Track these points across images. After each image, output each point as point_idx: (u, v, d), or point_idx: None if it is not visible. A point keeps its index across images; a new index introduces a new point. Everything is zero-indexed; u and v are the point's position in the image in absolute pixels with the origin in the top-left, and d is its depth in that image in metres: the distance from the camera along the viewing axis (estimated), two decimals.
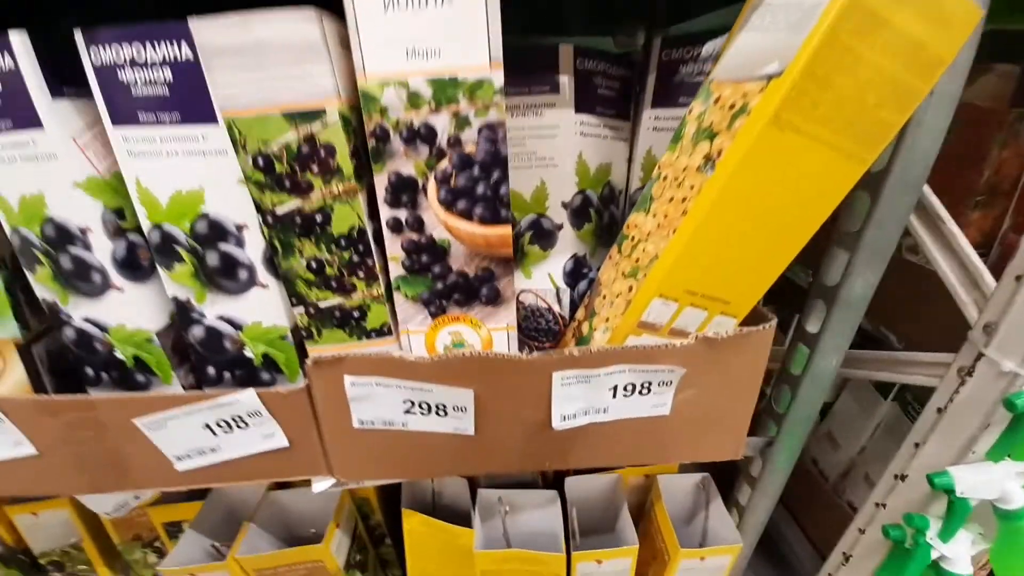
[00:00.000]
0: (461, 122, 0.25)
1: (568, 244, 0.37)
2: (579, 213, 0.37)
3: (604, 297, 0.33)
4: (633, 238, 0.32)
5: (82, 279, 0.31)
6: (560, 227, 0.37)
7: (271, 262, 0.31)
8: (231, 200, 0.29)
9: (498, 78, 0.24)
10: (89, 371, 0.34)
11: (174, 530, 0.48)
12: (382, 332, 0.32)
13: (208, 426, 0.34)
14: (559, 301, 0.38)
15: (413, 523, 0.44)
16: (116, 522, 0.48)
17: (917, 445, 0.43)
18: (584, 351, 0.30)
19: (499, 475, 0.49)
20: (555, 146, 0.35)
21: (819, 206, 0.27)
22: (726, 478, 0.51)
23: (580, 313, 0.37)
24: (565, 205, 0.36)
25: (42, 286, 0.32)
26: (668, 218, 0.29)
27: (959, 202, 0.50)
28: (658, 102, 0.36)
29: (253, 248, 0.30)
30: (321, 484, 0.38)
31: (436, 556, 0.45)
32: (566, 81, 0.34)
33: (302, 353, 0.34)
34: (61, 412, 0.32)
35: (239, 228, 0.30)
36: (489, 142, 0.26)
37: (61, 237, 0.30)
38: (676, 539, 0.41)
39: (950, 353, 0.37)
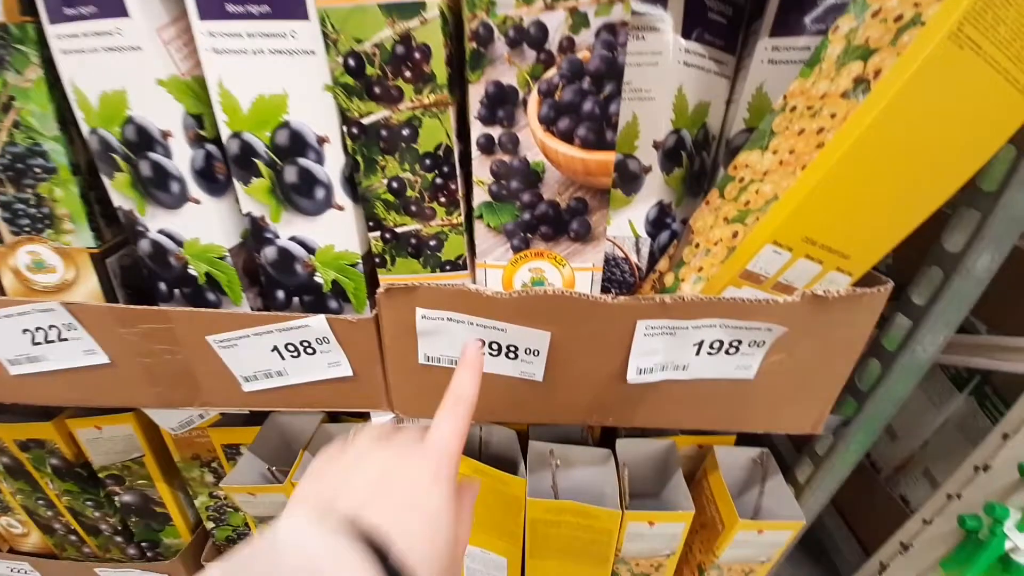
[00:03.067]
0: (578, 21, 0.22)
1: (655, 189, 0.34)
2: (671, 155, 0.33)
3: (697, 246, 0.31)
4: (743, 179, 0.29)
5: (161, 188, 0.30)
6: (648, 170, 0.34)
7: (350, 182, 0.29)
8: (315, 108, 0.27)
9: None
10: (162, 286, 0.34)
11: (232, 452, 0.49)
12: (457, 265, 0.30)
13: (277, 349, 0.33)
14: (637, 251, 0.35)
15: (462, 467, 0.43)
16: (177, 440, 0.49)
17: (1006, 436, 0.40)
18: (676, 299, 0.28)
19: (548, 428, 0.48)
20: (654, 76, 0.31)
21: (980, 147, 0.24)
22: (774, 451, 0.49)
23: (663, 264, 0.34)
24: (656, 145, 0.33)
25: (120, 194, 0.31)
26: (796, 153, 0.25)
27: None
28: (779, 30, 0.32)
29: (332, 165, 0.29)
30: (380, 418, 0.38)
31: (483, 502, 0.44)
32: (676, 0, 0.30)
33: (371, 283, 0.33)
34: (136, 322, 0.33)
35: (320, 141, 0.28)
36: (607, 47, 0.23)
37: (142, 140, 0.29)
38: (734, 509, 0.40)
39: None
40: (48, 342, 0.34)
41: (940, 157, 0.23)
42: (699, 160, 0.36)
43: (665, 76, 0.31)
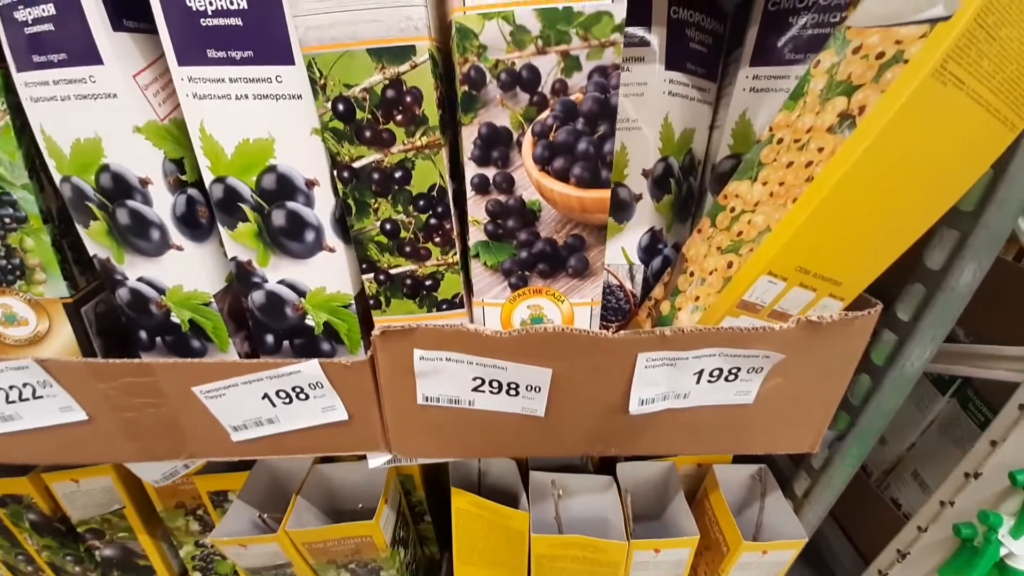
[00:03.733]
0: (570, 65, 0.22)
1: (645, 216, 0.34)
2: (660, 183, 0.34)
3: (692, 274, 0.31)
4: (733, 209, 0.29)
5: (140, 236, 0.29)
6: (639, 197, 0.34)
7: (341, 223, 0.29)
8: (303, 152, 0.26)
9: (620, 10, 0.21)
10: (143, 335, 0.33)
11: (219, 499, 0.47)
12: (454, 304, 0.30)
13: (268, 396, 0.32)
14: (631, 278, 0.35)
15: (462, 503, 0.43)
16: (159, 489, 0.47)
17: (994, 443, 0.41)
18: (676, 331, 0.28)
19: (549, 457, 0.47)
20: (641, 106, 0.32)
21: (963, 176, 0.24)
22: (771, 465, 0.49)
23: (658, 291, 0.34)
24: (646, 173, 0.33)
25: (95, 242, 0.30)
26: (785, 186, 0.26)
27: None
28: (759, 59, 0.32)
29: (322, 207, 0.28)
30: (377, 460, 0.37)
31: (485, 537, 0.43)
32: (658, 32, 0.31)
33: (364, 323, 0.32)
34: (116, 376, 0.31)
35: (309, 184, 0.27)
36: (599, 89, 0.23)
37: (119, 188, 0.28)
38: (738, 531, 0.40)
39: None
40: (23, 400, 0.32)
41: (926, 187, 0.24)
42: (687, 185, 0.36)
43: (652, 106, 0.32)
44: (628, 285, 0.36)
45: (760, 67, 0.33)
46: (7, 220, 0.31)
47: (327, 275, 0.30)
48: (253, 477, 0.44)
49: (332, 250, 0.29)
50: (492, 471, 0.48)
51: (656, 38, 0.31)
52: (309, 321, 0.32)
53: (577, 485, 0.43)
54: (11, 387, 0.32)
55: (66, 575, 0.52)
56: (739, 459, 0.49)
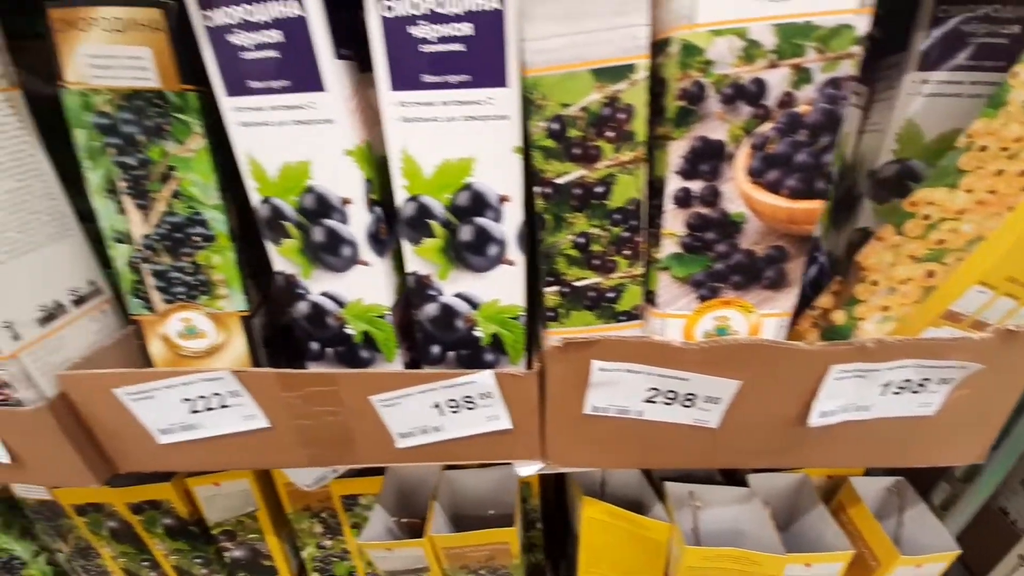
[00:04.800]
0: (801, 77, 0.22)
1: None
2: None
3: (875, 283, 0.30)
4: (927, 216, 0.28)
5: (332, 252, 0.30)
6: None
7: (522, 238, 0.29)
8: (500, 170, 0.27)
9: (862, 23, 0.21)
10: (314, 346, 0.34)
11: (349, 503, 0.48)
12: (631, 315, 0.30)
13: (438, 405, 0.33)
14: None
15: (594, 512, 0.43)
16: (290, 492, 0.49)
17: None
18: (875, 342, 0.27)
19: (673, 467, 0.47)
20: None
21: None
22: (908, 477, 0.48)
23: (826, 301, 0.33)
24: None
25: (284, 259, 0.31)
26: (998, 194, 0.25)
27: None
28: (928, 64, 0.32)
29: (510, 223, 0.29)
30: (528, 468, 0.37)
31: (617, 546, 0.43)
32: None
33: (530, 335, 0.33)
34: (301, 386, 0.32)
35: (502, 200, 0.28)
36: (829, 100, 0.23)
37: (320, 208, 0.29)
38: (891, 545, 0.38)
39: None
40: (208, 410, 0.33)
41: None
42: (843, 189, 0.35)
43: None
44: None
45: (929, 72, 0.32)
46: (197, 238, 0.32)
47: (503, 288, 0.31)
48: (385, 483, 0.45)
49: (512, 263, 0.30)
50: (613, 479, 0.48)
51: None
52: (477, 332, 0.32)
53: (714, 497, 0.42)
54: (199, 397, 0.33)
55: None
56: (871, 470, 0.47)
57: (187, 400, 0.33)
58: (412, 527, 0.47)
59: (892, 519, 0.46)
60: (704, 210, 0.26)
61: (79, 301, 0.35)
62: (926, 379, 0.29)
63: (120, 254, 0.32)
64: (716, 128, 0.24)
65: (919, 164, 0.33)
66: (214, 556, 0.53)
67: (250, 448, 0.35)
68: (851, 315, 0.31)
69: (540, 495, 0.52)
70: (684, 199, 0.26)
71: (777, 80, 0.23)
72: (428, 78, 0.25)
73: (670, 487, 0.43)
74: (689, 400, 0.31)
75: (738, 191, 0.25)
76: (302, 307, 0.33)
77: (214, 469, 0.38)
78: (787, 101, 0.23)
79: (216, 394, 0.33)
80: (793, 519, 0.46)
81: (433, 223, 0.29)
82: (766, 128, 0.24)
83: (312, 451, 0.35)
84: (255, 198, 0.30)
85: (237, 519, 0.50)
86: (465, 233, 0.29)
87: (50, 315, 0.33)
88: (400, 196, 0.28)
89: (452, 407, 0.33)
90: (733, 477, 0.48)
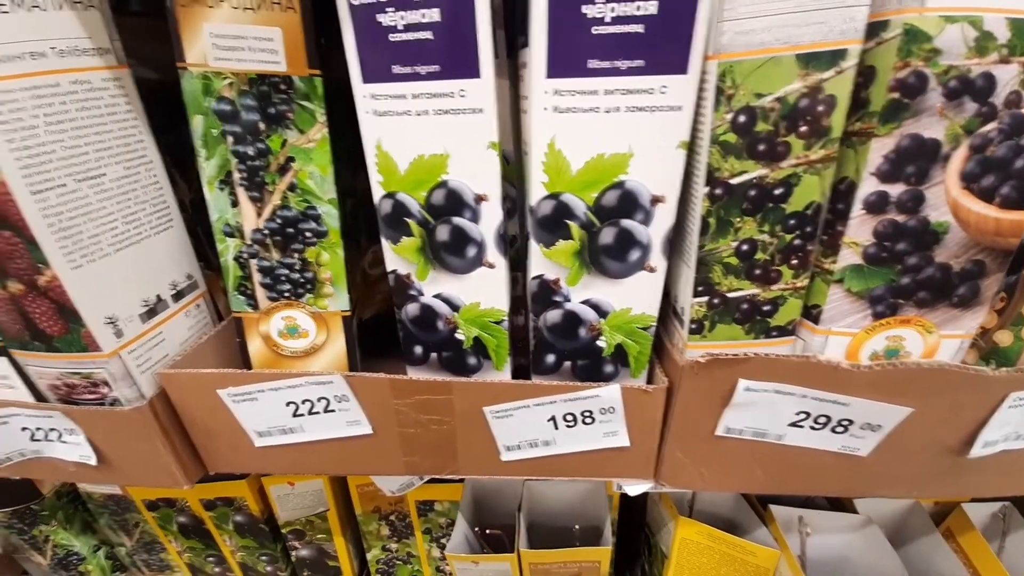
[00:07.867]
0: None
1: None
2: None
3: None
4: None
5: (455, 253, 0.28)
6: None
7: (668, 244, 0.26)
8: (662, 167, 0.24)
9: None
10: (417, 349, 0.32)
11: (424, 508, 0.47)
12: (785, 330, 0.27)
13: (553, 419, 0.31)
14: None
15: (690, 532, 0.40)
16: (361, 494, 0.47)
17: None
18: None
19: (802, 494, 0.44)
20: None
21: None
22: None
23: (988, 319, 0.30)
24: None
25: (400, 258, 0.29)
26: None
27: None
28: None
29: (659, 227, 0.26)
30: (637, 487, 0.35)
31: (709, 570, 0.41)
32: None
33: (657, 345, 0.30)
34: (412, 393, 0.30)
35: (654, 201, 0.25)
36: None
37: (450, 205, 0.27)
38: (1005, 572, 0.35)
39: None
40: (312, 413, 0.32)
41: None
42: None
43: None
44: None
45: None
46: (308, 234, 0.31)
47: (639, 297, 0.28)
48: (467, 492, 0.44)
49: (654, 270, 0.27)
50: (704, 496, 0.45)
51: None
52: (601, 342, 0.30)
53: (823, 523, 0.40)
54: (304, 400, 0.32)
55: (255, 575, 0.54)
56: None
57: (291, 403, 0.32)
58: (490, 538, 0.45)
59: (995, 543, 0.43)
60: (900, 217, 0.23)
61: (178, 295, 0.34)
62: None
63: (229, 248, 0.31)
64: (932, 125, 0.21)
65: None
66: (280, 554, 0.52)
67: (347, 454, 0.34)
68: (1018, 336, 0.28)
69: (618, 509, 0.50)
70: (878, 204, 0.23)
71: (1008, 77, 0.20)
72: (595, 63, 0.22)
73: (777, 510, 0.40)
74: (843, 426, 0.28)
75: (946, 197, 0.22)
76: (412, 309, 0.31)
77: (305, 474, 0.36)
78: (1014, 101, 0.20)
79: (322, 398, 0.31)
80: (898, 544, 0.43)
81: (572, 224, 0.26)
82: (988, 129, 0.21)
83: (411, 459, 0.33)
84: (378, 193, 0.28)
85: (307, 519, 0.49)
86: (607, 236, 0.27)
87: (152, 310, 0.32)
88: (536, 193, 0.26)
89: (569, 421, 0.31)
90: (836, 500, 0.45)
